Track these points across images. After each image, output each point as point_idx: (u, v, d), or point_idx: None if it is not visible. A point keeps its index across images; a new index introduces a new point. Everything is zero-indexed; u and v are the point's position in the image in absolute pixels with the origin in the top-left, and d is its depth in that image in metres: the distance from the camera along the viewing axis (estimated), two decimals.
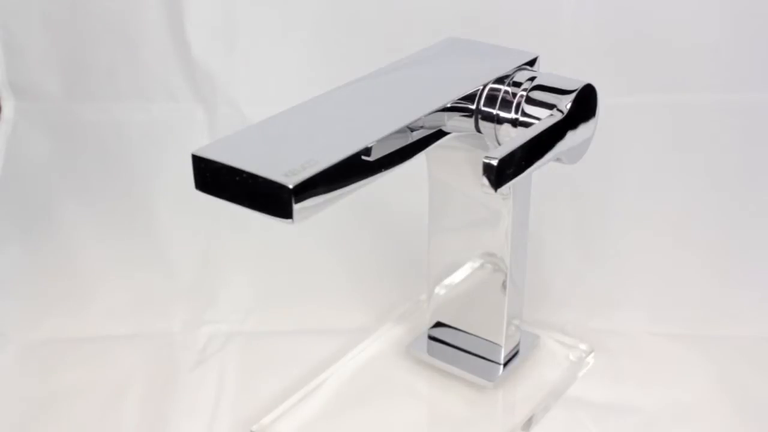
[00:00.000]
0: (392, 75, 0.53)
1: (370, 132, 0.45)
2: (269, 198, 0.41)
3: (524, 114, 0.51)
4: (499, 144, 0.52)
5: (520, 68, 0.53)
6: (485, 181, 0.45)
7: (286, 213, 0.41)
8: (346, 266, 0.74)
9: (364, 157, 0.44)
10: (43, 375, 0.63)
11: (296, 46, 0.82)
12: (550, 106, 0.51)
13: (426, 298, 0.63)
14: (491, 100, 0.52)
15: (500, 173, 0.45)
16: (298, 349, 0.65)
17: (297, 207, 0.40)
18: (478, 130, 0.52)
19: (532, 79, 0.52)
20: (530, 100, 0.51)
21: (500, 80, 0.52)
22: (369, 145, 0.44)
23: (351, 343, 0.64)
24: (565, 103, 0.50)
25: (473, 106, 0.52)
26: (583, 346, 0.64)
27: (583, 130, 0.52)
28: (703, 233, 0.76)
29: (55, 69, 0.84)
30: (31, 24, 0.83)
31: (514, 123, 0.51)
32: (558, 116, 0.50)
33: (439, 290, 0.61)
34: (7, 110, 0.86)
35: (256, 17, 0.81)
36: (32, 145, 0.84)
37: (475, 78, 0.52)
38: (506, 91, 0.52)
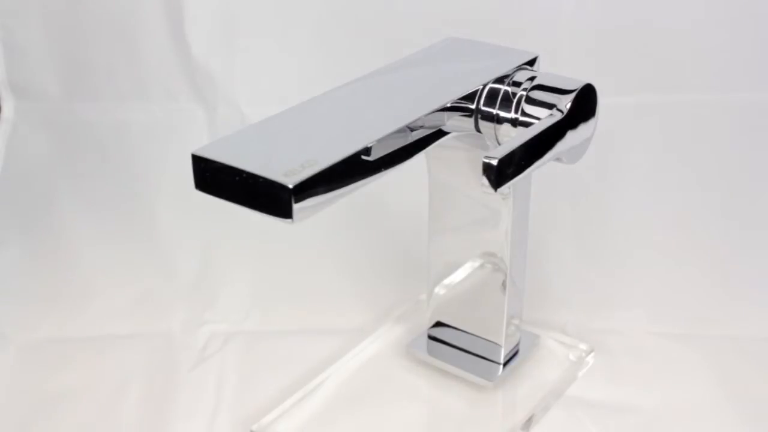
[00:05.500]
0: (392, 75, 0.53)
1: (370, 132, 0.45)
2: (269, 198, 0.41)
3: (524, 114, 0.51)
4: (499, 144, 0.52)
5: (519, 68, 0.53)
6: (485, 180, 0.45)
7: (286, 213, 0.41)
8: (346, 266, 0.74)
9: (363, 157, 0.44)
10: (43, 375, 0.63)
11: (296, 46, 0.82)
12: (550, 106, 0.51)
13: (426, 298, 0.63)
14: (491, 99, 0.52)
15: (500, 173, 0.45)
16: (298, 349, 0.65)
17: (297, 207, 0.40)
18: (478, 130, 0.52)
19: (531, 78, 0.52)
20: (530, 100, 0.51)
21: (500, 80, 0.52)
22: (369, 145, 0.44)
23: (351, 343, 0.64)
24: (565, 102, 0.50)
25: (473, 106, 0.52)
26: (583, 346, 0.64)
27: (583, 130, 0.52)
28: (703, 233, 0.76)
29: (55, 69, 0.84)
30: (31, 24, 0.83)
31: (514, 123, 0.51)
32: (558, 116, 0.50)
33: (439, 290, 0.61)
34: (7, 110, 0.86)
35: (256, 17, 0.81)
36: (32, 145, 0.84)
37: (475, 78, 0.52)
38: (506, 91, 0.52)
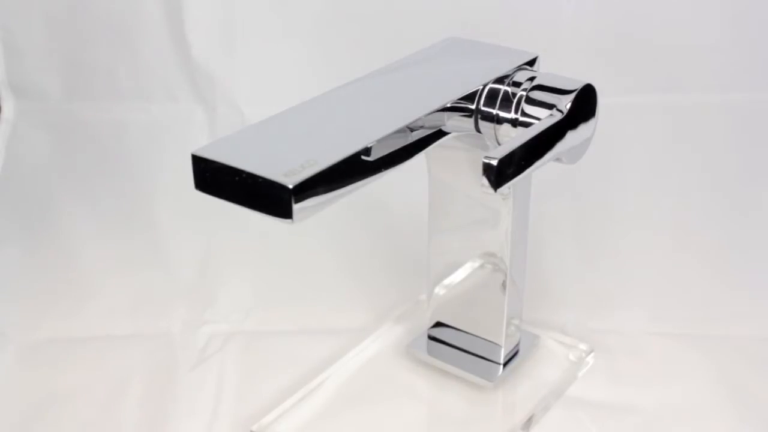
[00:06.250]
0: (392, 75, 0.53)
1: (370, 132, 0.45)
2: (269, 198, 0.41)
3: (524, 114, 0.51)
4: (499, 144, 0.52)
5: (519, 68, 0.53)
6: (485, 181, 0.45)
7: (286, 213, 0.41)
8: (346, 266, 0.74)
9: (363, 157, 0.44)
10: (43, 375, 0.63)
11: (296, 47, 0.82)
12: (550, 106, 0.51)
13: (426, 298, 0.63)
14: (491, 99, 0.52)
15: (500, 173, 0.45)
16: (298, 349, 0.65)
17: (297, 207, 0.40)
18: (478, 130, 0.52)
19: (531, 79, 0.52)
20: (530, 100, 0.51)
21: (500, 80, 0.52)
22: (369, 145, 0.44)
23: (351, 343, 0.64)
24: (565, 103, 0.50)
25: (473, 106, 0.52)
26: (582, 346, 0.64)
27: (583, 130, 0.52)
28: (703, 233, 0.76)
29: (55, 69, 0.84)
30: (31, 24, 0.83)
31: (514, 123, 0.51)
32: (558, 116, 0.50)
33: (439, 290, 0.61)
34: (7, 110, 0.86)
35: (256, 17, 0.81)
36: (32, 145, 0.85)
37: (475, 78, 0.52)
38: (506, 91, 0.52)
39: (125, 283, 0.73)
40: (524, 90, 0.51)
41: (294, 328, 0.68)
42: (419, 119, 0.47)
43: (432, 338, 0.63)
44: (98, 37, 0.83)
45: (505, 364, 0.61)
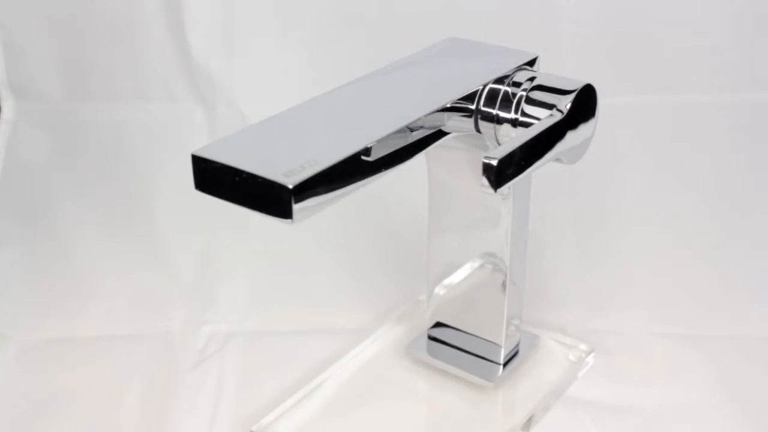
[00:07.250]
0: (392, 75, 0.53)
1: (370, 132, 0.45)
2: (269, 198, 0.41)
3: (524, 114, 0.51)
4: (499, 144, 0.52)
5: (519, 68, 0.53)
6: (485, 181, 0.45)
7: (285, 213, 0.41)
8: (346, 266, 0.74)
9: (363, 157, 0.44)
10: (43, 375, 0.63)
11: (296, 47, 0.82)
12: (550, 106, 0.51)
13: (426, 298, 0.63)
14: (491, 100, 0.52)
15: (500, 173, 0.45)
16: (298, 349, 0.65)
17: (297, 207, 0.40)
18: (478, 130, 0.52)
19: (531, 79, 0.52)
20: (530, 100, 0.51)
21: (500, 80, 0.52)
22: (369, 145, 0.44)
23: (351, 343, 0.64)
24: (565, 103, 0.50)
25: (473, 106, 0.52)
26: (582, 346, 0.64)
27: (583, 130, 0.52)
28: (703, 233, 0.76)
29: (55, 69, 0.84)
30: (31, 24, 0.83)
31: (514, 123, 0.51)
32: (558, 116, 0.50)
33: (439, 290, 0.61)
34: (7, 110, 0.86)
35: (256, 17, 0.81)
36: (32, 145, 0.84)
37: (475, 78, 0.52)
38: (506, 91, 0.52)
39: (125, 283, 0.73)
40: (524, 90, 0.51)
41: (294, 328, 0.68)
42: (419, 119, 0.47)
43: (432, 338, 0.63)
44: (98, 37, 0.82)
45: (505, 365, 0.61)
